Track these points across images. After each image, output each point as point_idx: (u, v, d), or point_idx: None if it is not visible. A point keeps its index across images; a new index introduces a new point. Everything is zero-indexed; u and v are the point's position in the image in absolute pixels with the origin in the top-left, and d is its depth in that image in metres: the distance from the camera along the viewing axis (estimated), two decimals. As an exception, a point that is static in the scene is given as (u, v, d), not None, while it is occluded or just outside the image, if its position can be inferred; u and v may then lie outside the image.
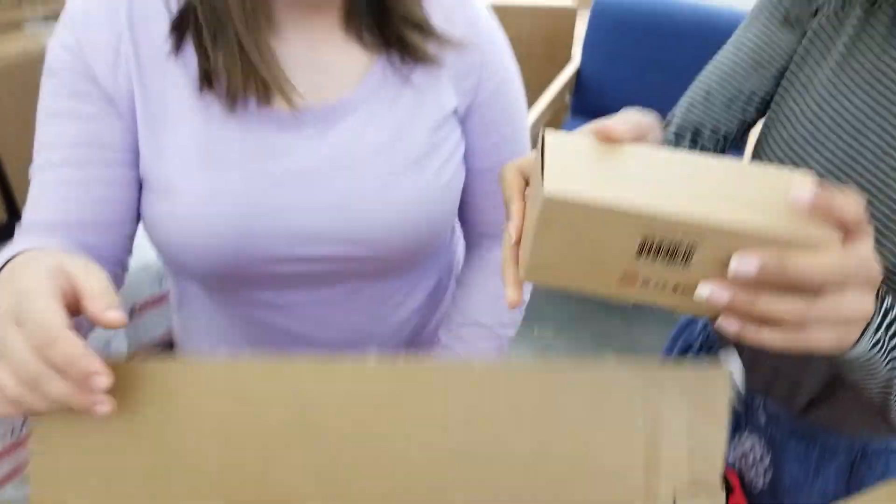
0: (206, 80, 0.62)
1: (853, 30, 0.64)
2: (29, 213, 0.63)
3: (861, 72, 0.63)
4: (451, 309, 0.85)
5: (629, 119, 0.48)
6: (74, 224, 0.63)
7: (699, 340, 0.92)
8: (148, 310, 1.08)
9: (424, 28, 0.68)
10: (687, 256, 0.41)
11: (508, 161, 0.52)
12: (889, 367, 0.56)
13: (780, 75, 0.70)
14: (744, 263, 0.40)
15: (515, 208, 0.47)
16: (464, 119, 0.74)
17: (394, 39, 0.67)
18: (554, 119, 2.58)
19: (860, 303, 0.43)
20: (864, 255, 0.41)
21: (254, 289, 0.71)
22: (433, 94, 0.70)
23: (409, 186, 0.68)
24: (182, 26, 0.62)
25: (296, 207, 0.65)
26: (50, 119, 0.63)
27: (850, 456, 0.81)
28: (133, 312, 1.07)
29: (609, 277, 0.44)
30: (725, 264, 0.41)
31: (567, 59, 2.69)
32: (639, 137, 0.46)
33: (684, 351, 0.94)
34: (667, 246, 0.41)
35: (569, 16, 2.65)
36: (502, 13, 3.25)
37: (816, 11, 0.67)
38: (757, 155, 0.72)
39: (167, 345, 1.10)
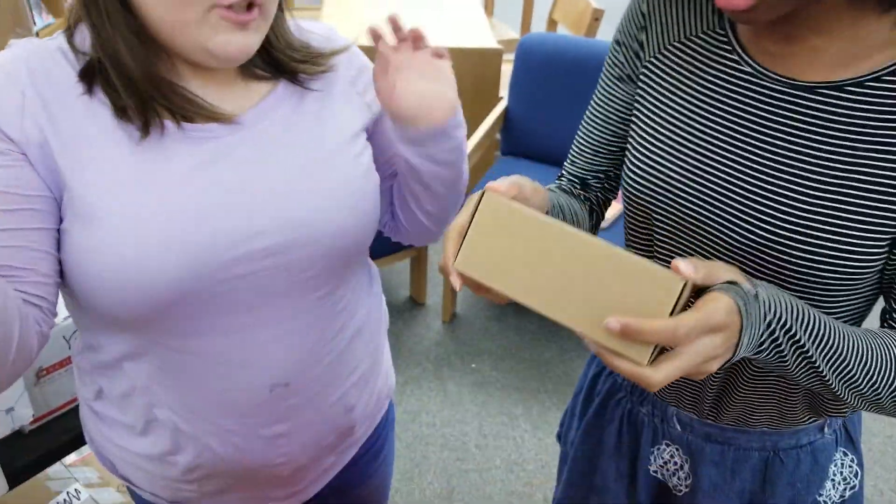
0: (122, 112, 0.67)
1: (668, 71, 0.75)
2: None
3: (680, 102, 0.74)
4: None
5: (515, 182, 0.64)
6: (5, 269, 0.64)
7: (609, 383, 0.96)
8: (55, 371, 1.04)
9: (307, 50, 0.78)
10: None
11: None
12: (797, 360, 0.62)
13: (627, 120, 0.81)
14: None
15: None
16: (371, 130, 0.84)
17: (285, 69, 0.76)
18: (485, 157, 2.64)
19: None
20: (670, 374, 0.54)
21: (200, 317, 0.71)
22: (332, 98, 0.79)
23: (332, 173, 0.75)
24: (89, 74, 0.67)
25: (231, 208, 0.69)
26: None
27: (763, 455, 0.85)
28: (39, 377, 1.03)
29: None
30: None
31: (496, 98, 2.77)
32: (519, 197, 0.63)
33: (597, 374, 0.98)
34: None
35: (496, 56, 2.75)
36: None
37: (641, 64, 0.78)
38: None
39: (74, 410, 1.06)
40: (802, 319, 0.61)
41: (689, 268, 0.54)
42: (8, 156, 0.65)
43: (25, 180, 0.65)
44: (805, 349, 0.62)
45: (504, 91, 2.61)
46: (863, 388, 0.65)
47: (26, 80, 0.66)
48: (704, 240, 0.73)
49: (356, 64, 0.83)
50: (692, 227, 0.73)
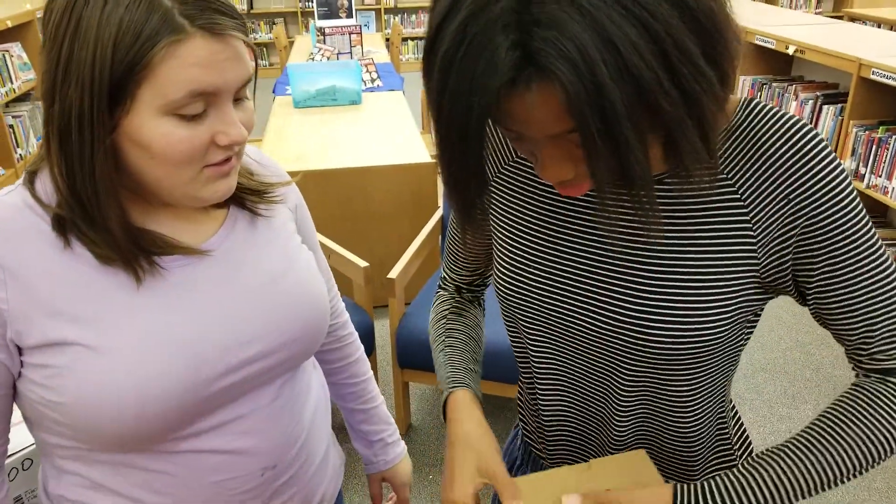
0: (106, 260, 0.72)
1: (510, 189, 0.82)
2: None
3: (527, 215, 0.80)
4: None
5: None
6: None
7: (519, 453, 1.01)
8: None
9: (255, 189, 0.85)
10: None
11: (320, 254, 0.95)
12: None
13: (486, 226, 0.88)
14: None
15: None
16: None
17: (233, 202, 0.84)
18: (427, 264, 2.72)
19: None
20: None
21: (191, 421, 0.76)
22: (278, 221, 0.88)
23: (290, 284, 0.84)
24: (62, 227, 0.71)
25: (213, 328, 0.76)
26: None
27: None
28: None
29: None
30: None
31: (434, 208, 2.88)
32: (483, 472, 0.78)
33: (511, 465, 1.01)
34: None
35: (430, 170, 2.88)
36: (371, 173, 3.52)
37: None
38: None
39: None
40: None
41: None
42: None
43: None
44: None
45: (442, 201, 2.72)
46: (846, 478, 0.71)
47: None
48: (567, 334, 0.78)
49: (293, 198, 0.93)
50: (556, 325, 0.79)
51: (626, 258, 0.73)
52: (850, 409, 0.72)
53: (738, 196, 0.69)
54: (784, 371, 2.70)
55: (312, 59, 4.58)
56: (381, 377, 2.57)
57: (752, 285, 0.71)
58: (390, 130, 3.28)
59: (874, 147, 2.84)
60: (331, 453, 0.98)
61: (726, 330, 0.72)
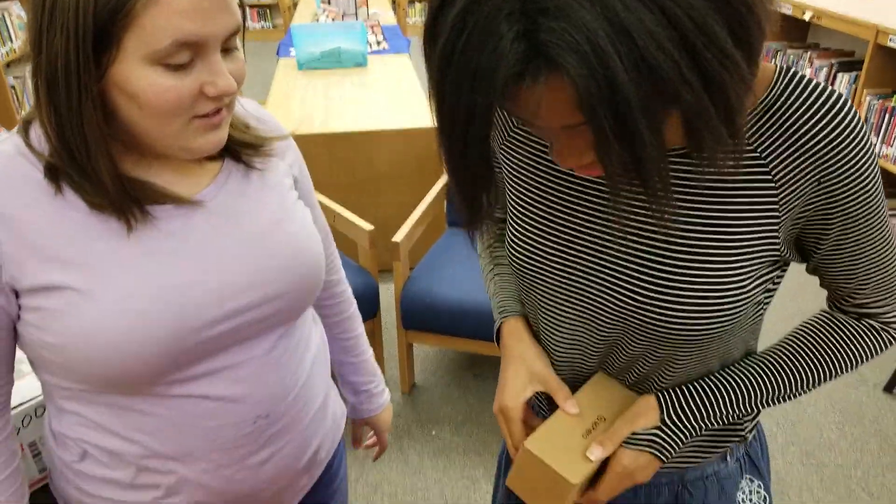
0: (98, 208, 0.74)
1: (520, 156, 0.82)
2: None
3: (539, 185, 0.80)
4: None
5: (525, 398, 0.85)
6: None
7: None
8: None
9: (252, 134, 0.87)
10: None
11: (318, 210, 0.98)
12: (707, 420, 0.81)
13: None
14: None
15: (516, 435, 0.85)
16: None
17: (234, 154, 0.86)
18: (429, 229, 2.74)
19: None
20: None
21: (185, 366, 0.79)
22: (273, 175, 0.89)
23: (282, 237, 0.86)
24: (55, 174, 0.73)
25: (205, 276, 0.78)
26: None
27: (672, 489, 0.91)
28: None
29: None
30: None
31: (440, 173, 2.90)
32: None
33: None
34: None
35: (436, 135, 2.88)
36: (377, 137, 3.52)
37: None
38: None
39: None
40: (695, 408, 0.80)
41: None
42: None
43: None
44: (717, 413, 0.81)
45: (445, 165, 2.73)
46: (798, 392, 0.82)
47: None
48: (581, 303, 0.80)
49: (291, 155, 0.94)
50: (570, 294, 0.80)
51: (644, 229, 0.72)
52: (828, 333, 0.81)
53: (769, 175, 0.67)
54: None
55: (317, 20, 4.54)
56: (385, 339, 2.62)
57: (769, 260, 0.72)
58: (396, 94, 3.27)
59: (887, 116, 2.83)
60: (330, 405, 1.01)
61: (743, 305, 0.73)
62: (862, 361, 0.81)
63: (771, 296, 0.79)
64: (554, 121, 0.56)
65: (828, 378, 0.81)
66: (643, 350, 0.79)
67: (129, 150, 0.77)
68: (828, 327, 0.81)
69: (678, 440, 0.81)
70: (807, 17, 3.24)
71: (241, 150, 0.85)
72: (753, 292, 0.73)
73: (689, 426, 0.81)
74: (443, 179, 2.60)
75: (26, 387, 1.04)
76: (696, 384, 0.82)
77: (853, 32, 2.94)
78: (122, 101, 0.70)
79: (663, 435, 0.81)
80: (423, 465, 2.17)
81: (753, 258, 0.71)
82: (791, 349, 0.82)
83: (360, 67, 3.66)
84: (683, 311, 0.72)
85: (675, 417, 0.81)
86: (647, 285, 0.73)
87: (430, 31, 0.54)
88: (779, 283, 0.79)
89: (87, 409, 0.81)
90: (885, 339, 0.81)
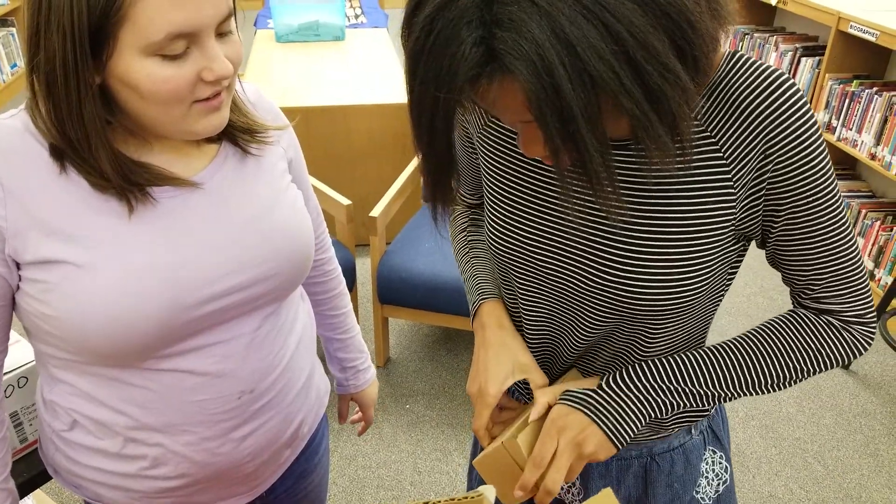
0: (100, 188, 0.76)
1: (496, 146, 0.85)
2: None
3: (515, 172, 0.83)
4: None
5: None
6: None
7: None
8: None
9: (245, 128, 0.88)
10: None
11: (310, 192, 1.02)
12: (660, 405, 0.82)
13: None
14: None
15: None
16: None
17: (226, 137, 0.87)
18: (406, 204, 2.76)
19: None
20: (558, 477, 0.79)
21: (175, 342, 0.81)
22: (268, 159, 0.92)
23: (275, 220, 0.88)
24: (59, 155, 0.75)
25: (200, 256, 0.81)
26: None
27: (641, 461, 0.95)
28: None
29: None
30: None
31: (416, 149, 2.90)
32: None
33: None
34: None
35: (413, 111, 2.88)
36: (354, 111, 3.51)
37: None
38: None
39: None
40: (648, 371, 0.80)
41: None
42: None
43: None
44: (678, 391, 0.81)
45: (423, 142, 2.74)
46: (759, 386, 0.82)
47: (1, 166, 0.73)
48: (554, 282, 0.83)
49: (286, 138, 0.97)
50: (545, 274, 0.83)
51: (603, 215, 0.76)
52: (785, 328, 0.82)
53: (721, 153, 0.71)
54: (747, 314, 2.83)
55: (294, -10, 4.47)
56: (361, 313, 2.65)
57: (729, 236, 0.75)
58: (374, 68, 3.26)
59: (847, 101, 2.91)
60: (314, 382, 1.04)
61: (706, 282, 0.76)
62: (828, 361, 0.81)
63: (732, 277, 0.83)
64: (510, 116, 0.62)
65: (789, 374, 0.81)
66: (615, 334, 0.82)
67: (131, 134, 0.78)
68: (787, 321, 0.83)
69: (616, 406, 0.81)
70: (773, 1, 3.29)
71: (239, 135, 0.87)
72: (715, 266, 0.76)
73: (626, 393, 0.82)
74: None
75: (9, 358, 1.05)
76: (642, 361, 0.84)
77: (817, 18, 3.00)
78: (124, 93, 0.72)
79: (597, 397, 0.81)
80: (396, 438, 2.21)
81: (714, 233, 0.74)
82: (747, 338, 0.83)
83: (337, 41, 3.63)
84: (647, 289, 0.75)
85: (612, 383, 0.82)
86: (611, 267, 0.77)
87: (405, 27, 0.60)
88: (737, 267, 0.82)
89: (79, 379, 0.83)
90: (850, 341, 0.81)
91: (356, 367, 1.21)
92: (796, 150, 0.70)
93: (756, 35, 3.60)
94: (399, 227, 2.73)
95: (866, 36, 2.69)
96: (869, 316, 0.81)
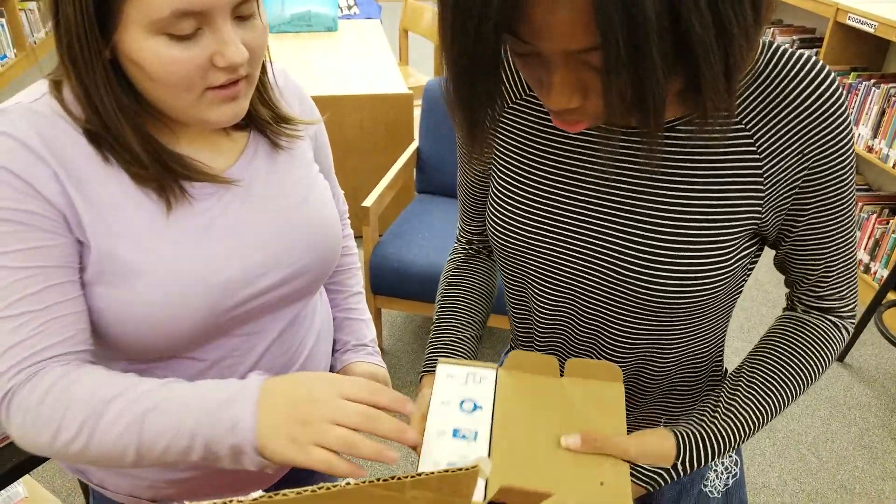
0: (140, 181, 0.74)
1: (515, 129, 0.79)
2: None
3: (529, 156, 0.78)
4: None
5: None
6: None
7: None
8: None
9: (280, 119, 0.86)
10: None
11: (334, 180, 0.98)
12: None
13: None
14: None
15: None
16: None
17: (257, 126, 0.85)
18: (399, 195, 2.74)
19: None
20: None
21: (209, 338, 0.80)
22: (298, 150, 0.89)
23: (308, 213, 0.87)
24: (97, 141, 0.72)
25: (239, 254, 0.79)
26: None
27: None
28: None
29: None
30: None
31: (410, 140, 2.89)
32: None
33: None
34: None
35: (407, 101, 2.87)
36: (347, 102, 3.48)
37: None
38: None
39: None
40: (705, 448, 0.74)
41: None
42: (55, 232, 0.70)
43: (70, 252, 0.71)
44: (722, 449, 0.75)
45: (417, 133, 2.73)
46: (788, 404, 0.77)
47: (44, 149, 0.69)
48: (568, 278, 0.78)
49: (313, 126, 0.94)
50: (557, 270, 0.78)
51: (629, 204, 0.72)
52: (804, 344, 0.78)
53: (754, 147, 0.68)
54: (741, 307, 2.82)
55: (288, -19, 4.44)
56: (353, 305, 2.63)
57: (751, 234, 0.72)
58: (367, 59, 3.24)
59: (844, 92, 2.89)
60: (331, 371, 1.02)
61: (726, 278, 0.72)
62: (831, 361, 0.80)
63: (747, 275, 0.79)
64: (564, 40, 0.53)
65: (810, 385, 0.79)
66: (628, 325, 0.78)
67: (157, 120, 0.76)
68: (801, 335, 0.79)
69: (676, 477, 0.76)
70: (776, -7, 3.27)
71: (268, 127, 0.84)
72: (736, 263, 0.73)
73: (692, 469, 0.75)
74: (413, 145, 2.60)
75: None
76: (706, 429, 0.75)
77: (815, 10, 2.98)
78: (133, 71, 0.69)
79: (666, 476, 0.75)
80: (389, 429, 2.19)
81: (738, 230, 0.71)
82: (777, 370, 0.77)
83: (330, 32, 3.60)
84: (669, 278, 0.71)
85: (686, 464, 0.75)
86: (634, 253, 0.72)
87: None
88: (754, 265, 0.79)
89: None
90: (842, 336, 0.80)
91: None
92: (835, 154, 0.68)
93: (752, 27, 3.57)
94: (392, 218, 2.71)
95: (865, 27, 2.68)
96: (855, 308, 0.81)
